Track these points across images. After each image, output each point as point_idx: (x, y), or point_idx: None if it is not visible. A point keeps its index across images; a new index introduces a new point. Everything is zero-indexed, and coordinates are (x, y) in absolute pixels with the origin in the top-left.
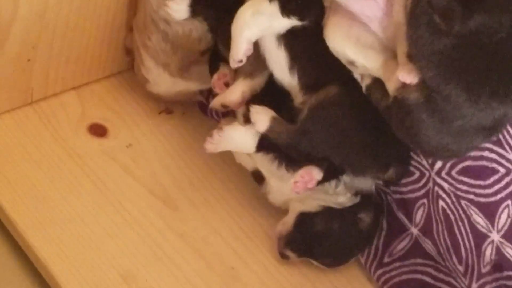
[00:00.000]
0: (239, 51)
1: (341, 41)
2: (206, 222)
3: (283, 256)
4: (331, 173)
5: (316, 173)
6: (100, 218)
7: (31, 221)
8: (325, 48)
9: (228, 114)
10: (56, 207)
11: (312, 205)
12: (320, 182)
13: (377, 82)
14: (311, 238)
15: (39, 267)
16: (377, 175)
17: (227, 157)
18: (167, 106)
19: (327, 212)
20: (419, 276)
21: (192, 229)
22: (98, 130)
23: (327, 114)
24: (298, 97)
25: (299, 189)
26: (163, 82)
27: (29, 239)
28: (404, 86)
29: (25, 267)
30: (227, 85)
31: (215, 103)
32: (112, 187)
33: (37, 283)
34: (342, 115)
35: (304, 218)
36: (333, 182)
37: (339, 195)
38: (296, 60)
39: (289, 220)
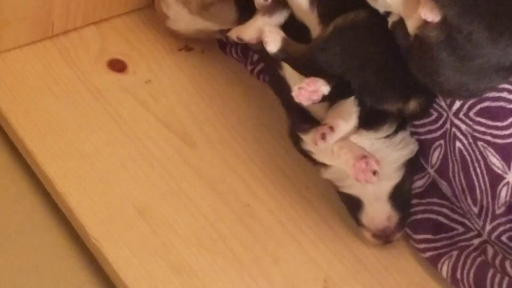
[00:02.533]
0: None
1: None
2: (222, 159)
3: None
4: (339, 92)
5: (322, 85)
6: (117, 152)
7: (49, 153)
8: None
9: (246, 48)
10: (74, 140)
11: (393, 176)
12: (326, 99)
13: (403, 20)
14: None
15: (56, 198)
16: (397, 105)
17: (246, 95)
18: (187, 43)
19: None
20: (434, 216)
21: (208, 165)
22: (117, 65)
23: (355, 33)
24: (316, 31)
25: (303, 97)
26: (183, 19)
27: (47, 171)
28: (425, 24)
29: (43, 198)
30: None
31: (232, 33)
32: (130, 122)
33: (53, 214)
34: (369, 38)
35: (397, 192)
36: (397, 134)
37: (407, 144)
38: None
39: (385, 207)
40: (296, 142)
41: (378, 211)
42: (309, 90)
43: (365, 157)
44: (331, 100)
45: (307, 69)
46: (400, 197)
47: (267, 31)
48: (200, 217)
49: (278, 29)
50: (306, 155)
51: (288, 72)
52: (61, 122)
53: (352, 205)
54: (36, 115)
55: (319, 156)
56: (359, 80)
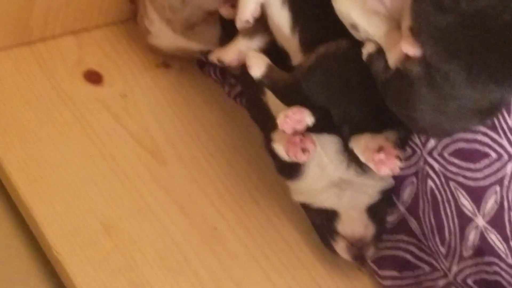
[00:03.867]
0: (246, 11)
1: (348, 4)
2: (193, 179)
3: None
4: (322, 124)
5: (307, 115)
6: (86, 165)
7: (16, 161)
8: (328, 10)
9: (224, 70)
10: (44, 149)
11: (371, 194)
12: (311, 130)
13: (381, 52)
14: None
15: (20, 208)
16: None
17: (221, 116)
18: (165, 60)
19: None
20: (401, 253)
21: (178, 185)
22: (94, 77)
23: (337, 64)
24: (297, 58)
25: (287, 126)
26: (165, 36)
27: (13, 178)
28: (407, 58)
29: (7, 206)
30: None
31: (213, 56)
32: (102, 135)
33: (17, 223)
34: (351, 69)
35: (374, 208)
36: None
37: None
38: (299, 20)
39: (362, 216)
40: (270, 147)
41: (355, 218)
42: (294, 119)
43: (382, 148)
44: (313, 131)
45: (290, 97)
46: (376, 213)
47: (251, 56)
48: (166, 237)
49: (262, 54)
50: (278, 159)
51: (271, 98)
52: (32, 131)
53: (326, 219)
54: (6, 121)
55: (279, 151)
56: (340, 110)
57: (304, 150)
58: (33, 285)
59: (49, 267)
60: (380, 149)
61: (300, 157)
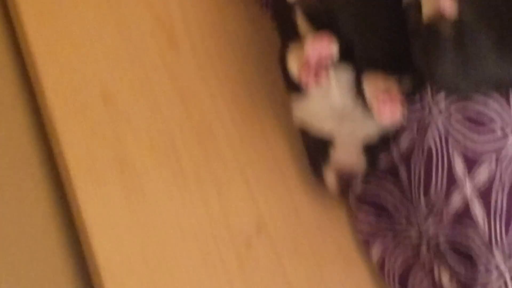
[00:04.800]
0: None
1: None
2: (200, 71)
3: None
4: (344, 54)
5: (334, 42)
6: (99, 28)
7: (33, 10)
8: None
9: None
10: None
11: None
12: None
13: (417, 3)
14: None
15: (27, 57)
16: (392, 76)
17: (245, 18)
18: None
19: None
20: (380, 198)
21: (184, 72)
22: None
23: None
24: None
25: (313, 50)
26: None
27: (26, 27)
28: (440, 15)
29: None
30: None
31: None
32: (121, 1)
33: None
34: (387, 7)
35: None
36: None
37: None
38: None
39: (357, 149)
40: (283, 56)
41: (350, 149)
42: (320, 45)
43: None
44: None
45: (319, 21)
46: (371, 149)
47: None
48: (159, 120)
49: None
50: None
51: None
52: None
53: (321, 143)
54: None
55: (290, 65)
56: (364, 43)
57: (315, 80)
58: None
59: (41, 129)
60: (386, 91)
61: (309, 85)
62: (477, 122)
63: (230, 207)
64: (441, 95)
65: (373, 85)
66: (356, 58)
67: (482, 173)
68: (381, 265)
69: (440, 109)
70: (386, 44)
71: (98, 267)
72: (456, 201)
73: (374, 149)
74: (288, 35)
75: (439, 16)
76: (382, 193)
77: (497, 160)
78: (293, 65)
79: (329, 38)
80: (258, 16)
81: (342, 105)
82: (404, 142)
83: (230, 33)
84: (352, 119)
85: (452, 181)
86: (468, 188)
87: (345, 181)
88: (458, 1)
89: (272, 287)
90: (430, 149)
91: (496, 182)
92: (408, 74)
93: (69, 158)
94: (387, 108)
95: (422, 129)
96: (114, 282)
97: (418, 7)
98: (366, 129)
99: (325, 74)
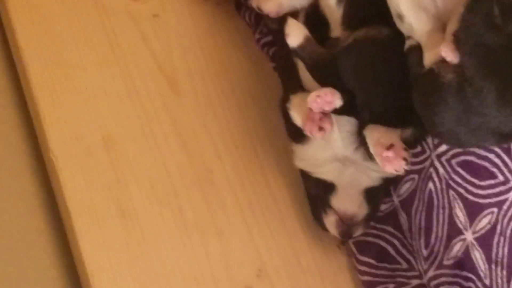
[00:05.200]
0: None
1: None
2: (201, 117)
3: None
4: (348, 109)
5: (337, 98)
6: (102, 75)
7: (36, 54)
8: None
9: (260, 16)
10: (65, 47)
11: (373, 177)
12: (336, 112)
13: (419, 48)
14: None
15: (29, 101)
16: (394, 127)
17: (244, 60)
18: None
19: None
20: (383, 243)
21: (186, 118)
22: None
23: (373, 50)
24: (336, 30)
25: (317, 105)
26: None
27: (29, 72)
28: (442, 61)
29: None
30: None
31: (254, 1)
32: (124, 50)
33: (23, 119)
34: (386, 58)
35: (371, 191)
36: None
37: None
38: None
39: (358, 195)
40: (285, 107)
41: (352, 196)
42: (325, 100)
43: (392, 146)
44: (335, 112)
45: (320, 73)
46: (373, 196)
47: (290, 23)
48: (161, 166)
49: (301, 24)
50: (290, 121)
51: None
52: (57, 24)
53: (322, 190)
54: (36, 10)
55: (294, 117)
56: (365, 96)
57: (320, 129)
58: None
59: (42, 169)
60: (390, 147)
61: (316, 134)
62: (478, 176)
63: (231, 251)
64: (443, 147)
65: (377, 142)
66: (359, 109)
67: (483, 222)
68: None
69: (441, 161)
70: (388, 96)
71: None
72: (456, 248)
73: (376, 196)
74: (290, 84)
75: (441, 62)
76: (383, 238)
77: (498, 212)
78: (297, 117)
79: (333, 93)
80: (260, 63)
81: (344, 153)
82: (405, 190)
83: (232, 78)
84: (354, 166)
85: (453, 229)
86: (469, 235)
87: (347, 227)
88: (459, 47)
89: None
90: (431, 199)
91: (497, 231)
92: (411, 125)
93: (71, 202)
94: (391, 165)
95: (424, 180)
96: None
97: (420, 51)
98: (368, 176)
99: (329, 125)
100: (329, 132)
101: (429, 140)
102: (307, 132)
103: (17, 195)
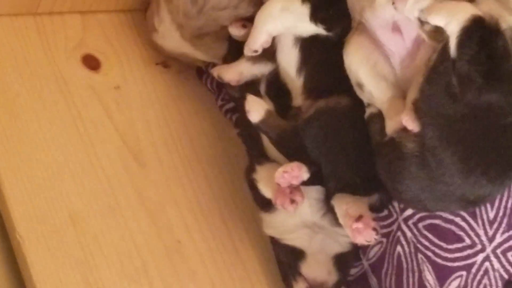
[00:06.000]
0: (257, 41)
1: (359, 62)
2: (167, 187)
3: None
4: (315, 179)
5: (304, 172)
6: (66, 152)
7: (3, 133)
8: (339, 63)
9: (222, 85)
10: (27, 125)
11: (342, 244)
12: (304, 183)
13: (380, 116)
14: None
15: None
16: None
17: (208, 128)
18: (166, 60)
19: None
20: None
21: (152, 190)
22: (92, 62)
23: (334, 121)
24: (297, 99)
25: (284, 180)
26: (172, 39)
27: None
28: (404, 130)
29: None
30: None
31: (214, 70)
32: (88, 125)
33: None
34: (347, 128)
35: (341, 257)
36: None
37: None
38: (307, 64)
39: (328, 262)
40: (251, 178)
41: (321, 262)
42: (292, 175)
43: (361, 217)
44: (304, 184)
45: (284, 145)
46: (342, 262)
47: (250, 100)
48: (129, 241)
49: (262, 101)
50: (256, 191)
51: None
52: (19, 103)
53: (292, 257)
54: None
55: (263, 190)
56: (330, 166)
57: (292, 201)
58: None
59: (9, 250)
60: (359, 218)
61: (288, 208)
62: (445, 240)
63: None
64: (409, 211)
65: (345, 213)
66: (325, 178)
67: (453, 285)
68: None
69: (408, 225)
70: (353, 165)
71: None
72: None
73: (345, 262)
74: (255, 153)
75: (402, 130)
76: None
77: (467, 276)
78: (266, 190)
79: (299, 167)
80: (224, 129)
81: (312, 219)
82: (374, 254)
83: (197, 147)
84: (323, 232)
85: None
86: None
87: None
88: (420, 116)
89: None
90: (400, 262)
91: None
92: (377, 191)
93: (39, 283)
94: (361, 235)
95: (392, 244)
96: None
97: (381, 119)
98: (337, 242)
99: (300, 198)
100: (300, 204)
101: (396, 203)
102: (278, 206)
103: None
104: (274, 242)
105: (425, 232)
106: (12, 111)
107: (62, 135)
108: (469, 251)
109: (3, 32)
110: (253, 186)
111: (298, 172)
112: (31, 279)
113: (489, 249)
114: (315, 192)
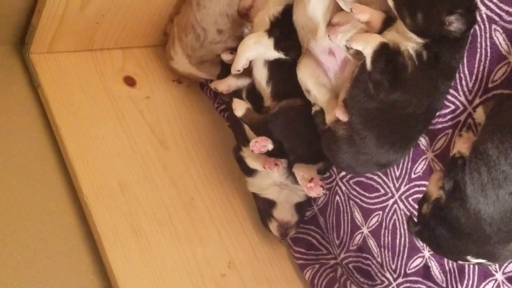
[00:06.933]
0: (239, 64)
1: (307, 75)
2: (183, 162)
3: (286, 237)
4: (279, 153)
5: (269, 143)
6: (116, 141)
7: (71, 131)
8: (294, 76)
9: (217, 94)
10: (89, 125)
11: (301, 195)
12: (269, 153)
13: (323, 112)
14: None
15: (67, 162)
16: (312, 163)
17: (209, 123)
18: (179, 78)
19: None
20: (309, 238)
21: (173, 165)
22: (130, 81)
23: (291, 114)
24: (267, 101)
25: (256, 148)
26: (183, 64)
27: (66, 143)
28: (337, 121)
29: (59, 162)
30: (231, 53)
31: (212, 84)
32: (129, 123)
33: (63, 176)
34: (301, 119)
35: (300, 205)
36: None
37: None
38: (273, 78)
39: (291, 208)
40: (238, 154)
41: (287, 208)
42: (260, 144)
43: (313, 179)
44: (272, 154)
45: (259, 130)
46: (300, 209)
47: (235, 101)
48: (159, 199)
49: (243, 102)
50: (242, 163)
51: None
52: (83, 109)
53: (267, 205)
54: (68, 100)
55: (251, 163)
56: (290, 145)
57: (276, 164)
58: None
59: (80, 209)
60: (311, 180)
61: (274, 168)
62: (368, 190)
63: (210, 252)
64: (343, 173)
65: (302, 177)
66: (286, 152)
67: (373, 221)
68: (312, 284)
69: (343, 182)
70: (305, 144)
71: None
72: (357, 238)
73: (303, 208)
74: (240, 138)
75: (336, 121)
76: (309, 234)
77: (383, 214)
78: (253, 163)
79: (265, 140)
80: (219, 123)
81: (280, 180)
82: (321, 201)
83: (202, 136)
84: (288, 188)
85: (354, 226)
86: (365, 229)
87: (284, 230)
88: (348, 110)
89: None
90: (338, 206)
91: (383, 226)
92: (322, 161)
93: (100, 229)
94: (313, 191)
95: (332, 195)
96: None
97: (322, 114)
98: (297, 195)
99: (280, 162)
100: (281, 166)
101: (334, 168)
102: (267, 169)
103: (60, 229)
104: (255, 196)
105: (354, 186)
106: (78, 115)
107: (112, 130)
108: (383, 198)
109: (70, 63)
110: (239, 160)
111: (265, 142)
112: (95, 226)
113: (396, 196)
114: (283, 162)
